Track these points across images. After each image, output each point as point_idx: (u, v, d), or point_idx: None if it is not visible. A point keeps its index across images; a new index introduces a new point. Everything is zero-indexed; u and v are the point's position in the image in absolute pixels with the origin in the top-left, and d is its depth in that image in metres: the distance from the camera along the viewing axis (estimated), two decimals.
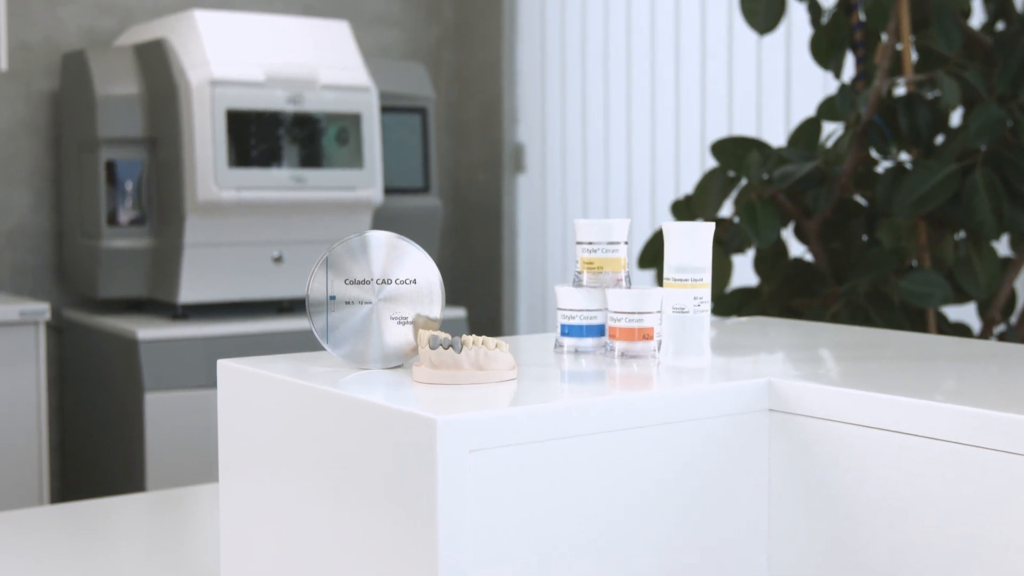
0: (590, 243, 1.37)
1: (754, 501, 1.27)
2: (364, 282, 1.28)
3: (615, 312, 1.35)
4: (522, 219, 3.87)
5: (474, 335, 1.24)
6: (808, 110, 3.06)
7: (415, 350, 1.30)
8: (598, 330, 1.39)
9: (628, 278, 1.39)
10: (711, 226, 1.31)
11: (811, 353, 1.51)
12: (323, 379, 1.24)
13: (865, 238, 2.70)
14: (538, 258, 3.81)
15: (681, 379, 1.28)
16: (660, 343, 1.36)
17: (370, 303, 1.28)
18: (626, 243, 1.38)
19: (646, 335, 1.35)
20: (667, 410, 1.21)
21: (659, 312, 1.35)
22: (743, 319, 1.86)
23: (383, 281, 1.28)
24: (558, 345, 1.41)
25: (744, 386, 1.25)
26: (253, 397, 1.30)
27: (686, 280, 1.30)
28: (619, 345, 1.35)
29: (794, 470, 1.25)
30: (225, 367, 1.34)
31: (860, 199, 2.71)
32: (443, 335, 1.24)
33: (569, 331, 1.40)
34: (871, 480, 1.19)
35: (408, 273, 1.29)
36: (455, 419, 1.08)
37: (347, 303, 1.28)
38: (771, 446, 1.26)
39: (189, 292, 3.11)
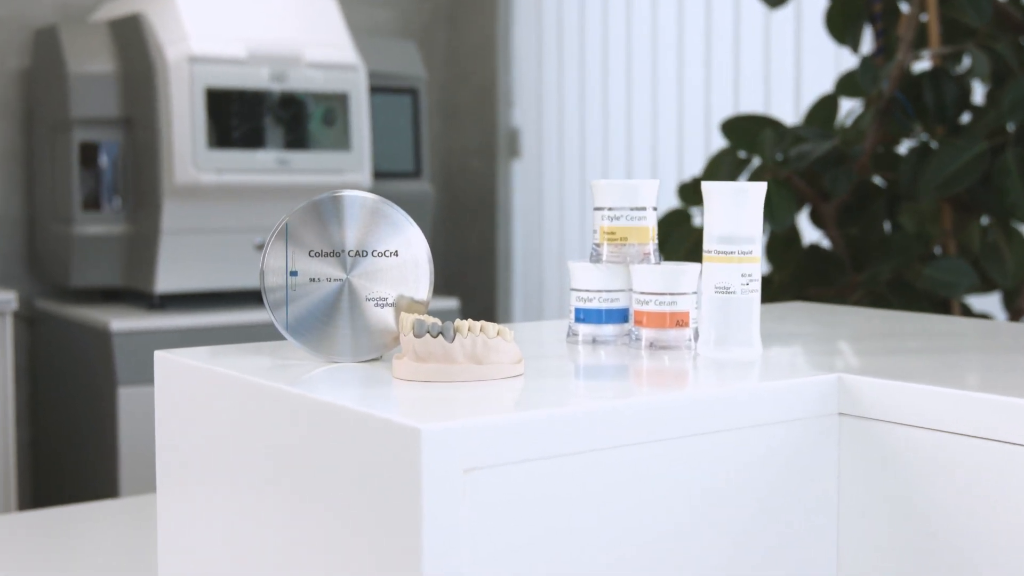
0: (611, 208, 1.08)
1: (820, 526, 0.97)
2: (333, 254, 0.98)
3: (642, 293, 1.06)
4: (517, 206, 3.58)
5: (470, 320, 0.94)
6: (819, 87, 2.78)
7: (396, 339, 1.00)
8: (620, 315, 1.10)
9: (657, 251, 1.09)
10: (763, 187, 1.01)
11: (873, 343, 1.21)
12: (279, 375, 0.95)
13: (887, 224, 2.42)
14: (534, 247, 3.52)
15: (726, 376, 0.99)
16: (696, 331, 1.07)
17: (341, 280, 0.99)
18: (655, 209, 1.09)
19: (680, 321, 1.05)
20: (710, 416, 0.91)
21: (695, 293, 1.06)
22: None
23: (357, 253, 0.98)
24: (572, 333, 1.12)
25: (808, 384, 0.95)
26: (195, 395, 1.01)
27: (732, 253, 1.01)
28: (647, 333, 1.06)
29: (870, 489, 0.96)
30: (163, 359, 1.04)
31: (879, 182, 2.43)
32: (431, 320, 0.94)
33: (585, 316, 1.10)
34: (968, 500, 0.90)
35: (389, 244, 0.99)
36: (445, 428, 0.78)
37: (312, 280, 0.98)
38: (841, 459, 0.97)
39: (166, 281, 2.81)
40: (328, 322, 0.98)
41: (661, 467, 0.88)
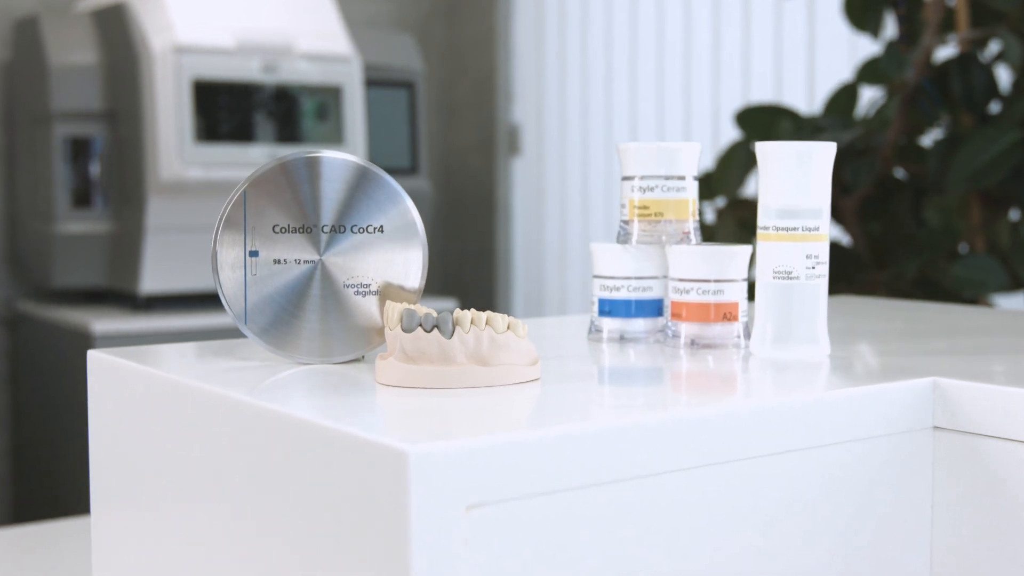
0: (642, 177, 0.86)
1: (910, 570, 0.75)
2: (304, 230, 0.77)
3: (681, 280, 0.84)
4: (517, 205, 3.36)
5: (473, 310, 0.72)
6: (833, 77, 2.57)
7: (381, 335, 0.78)
8: (654, 307, 0.88)
9: (699, 230, 0.87)
10: (832, 148, 0.80)
11: (956, 342, 0.99)
12: (234, 381, 0.73)
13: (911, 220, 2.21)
14: (534, 247, 3.31)
15: (787, 382, 0.77)
16: (746, 326, 0.85)
17: (313, 262, 0.77)
18: (696, 178, 0.87)
19: (728, 314, 0.83)
20: (768, 434, 0.69)
21: (746, 280, 0.84)
22: None
23: (334, 229, 0.77)
24: (594, 329, 0.90)
25: (897, 391, 0.73)
26: (134, 404, 0.79)
27: (795, 230, 0.79)
28: (687, 329, 0.84)
29: (971, 525, 0.74)
30: (96, 360, 0.82)
31: (900, 175, 2.22)
32: (424, 310, 0.72)
33: (611, 308, 0.88)
34: None
35: (373, 218, 0.77)
36: (441, 451, 0.56)
37: (276, 262, 0.77)
38: (935, 486, 0.75)
39: (152, 281, 2.59)
40: (296, 314, 0.77)
41: (712, 500, 0.67)
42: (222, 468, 0.70)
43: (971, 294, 2.02)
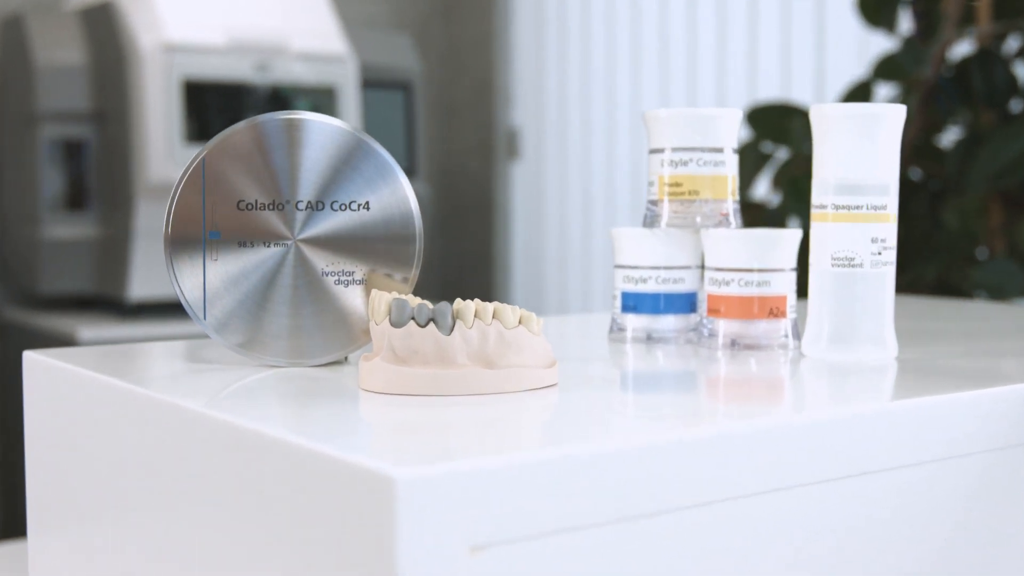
0: (674, 150, 0.72)
1: None
2: (275, 206, 0.63)
3: (719, 269, 0.70)
4: (517, 209, 3.24)
5: (476, 300, 0.58)
6: (841, 73, 2.45)
7: (366, 332, 0.64)
8: (686, 301, 0.74)
9: (739, 212, 0.73)
10: (901, 112, 0.66)
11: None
12: (189, 387, 0.59)
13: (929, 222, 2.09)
14: (534, 252, 3.18)
15: (848, 390, 0.63)
16: (796, 323, 0.71)
17: (287, 244, 0.63)
18: (736, 152, 0.73)
19: (775, 309, 0.69)
20: (829, 454, 0.55)
21: (795, 269, 0.70)
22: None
23: (310, 205, 0.63)
24: (617, 328, 0.76)
25: (986, 399, 0.60)
26: (75, 413, 0.65)
27: (859, 208, 0.65)
28: (726, 327, 0.70)
29: None
30: (32, 361, 0.68)
31: (916, 176, 2.11)
32: (418, 301, 0.58)
33: (637, 303, 0.74)
34: None
35: (359, 194, 0.64)
36: (438, 476, 0.42)
37: (242, 245, 0.63)
38: None
39: (141, 287, 2.46)
40: (265, 307, 0.63)
41: (761, 532, 0.53)
42: (173, 490, 0.56)
43: (992, 299, 1.91)
